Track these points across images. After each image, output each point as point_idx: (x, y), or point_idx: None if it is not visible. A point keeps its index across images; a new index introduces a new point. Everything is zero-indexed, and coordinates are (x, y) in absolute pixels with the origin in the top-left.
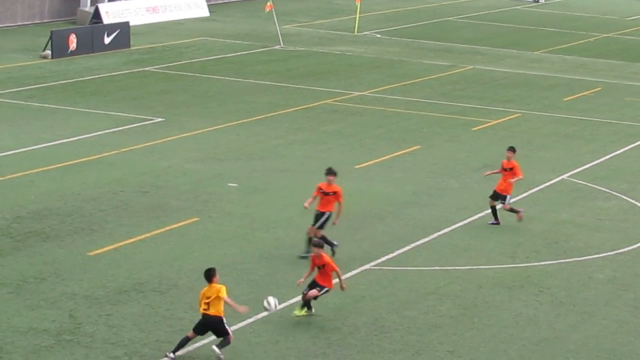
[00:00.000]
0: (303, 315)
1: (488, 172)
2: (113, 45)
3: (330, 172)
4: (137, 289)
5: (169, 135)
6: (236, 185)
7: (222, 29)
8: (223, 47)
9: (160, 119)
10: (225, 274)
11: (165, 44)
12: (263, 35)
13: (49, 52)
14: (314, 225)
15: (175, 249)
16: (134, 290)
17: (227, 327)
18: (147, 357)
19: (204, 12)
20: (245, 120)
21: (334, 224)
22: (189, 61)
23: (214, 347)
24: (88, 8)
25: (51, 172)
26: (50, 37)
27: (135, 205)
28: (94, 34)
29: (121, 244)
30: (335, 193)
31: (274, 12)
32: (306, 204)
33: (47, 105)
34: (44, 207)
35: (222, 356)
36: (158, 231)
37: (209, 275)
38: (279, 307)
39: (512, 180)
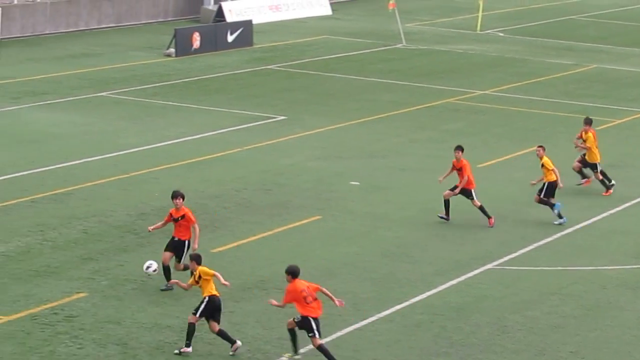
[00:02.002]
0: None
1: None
2: (236, 43)
3: (176, 194)
4: (260, 286)
5: (291, 133)
6: (358, 183)
7: (344, 27)
8: (345, 46)
9: (282, 117)
10: (347, 272)
11: (287, 42)
12: (385, 34)
13: (172, 50)
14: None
15: (298, 247)
16: (256, 287)
17: None
18: (269, 354)
19: (327, 11)
20: (367, 119)
21: (193, 249)
22: (311, 59)
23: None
24: (212, 6)
25: (175, 170)
26: (174, 35)
27: (257, 202)
28: (217, 32)
29: (244, 241)
30: (184, 217)
31: (396, 11)
32: (151, 228)
33: (170, 102)
34: (167, 204)
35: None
36: (280, 229)
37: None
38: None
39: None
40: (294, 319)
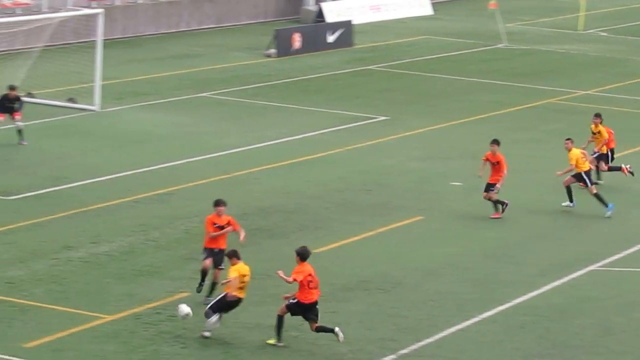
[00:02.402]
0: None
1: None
2: (336, 43)
3: (222, 202)
4: (362, 287)
5: (392, 133)
6: (460, 184)
7: (444, 27)
8: (446, 46)
9: (383, 118)
10: (449, 272)
11: (388, 42)
12: (486, 34)
13: (273, 50)
14: (215, 266)
15: (399, 247)
16: (358, 288)
17: None
18: (372, 355)
19: (427, 11)
20: (468, 119)
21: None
22: (411, 60)
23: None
24: (312, 7)
25: (276, 170)
26: (275, 36)
27: (359, 203)
28: (318, 32)
29: (346, 241)
30: (229, 224)
31: (497, 11)
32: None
33: (271, 103)
34: (269, 204)
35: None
36: (382, 229)
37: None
38: (183, 313)
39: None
40: (286, 304)
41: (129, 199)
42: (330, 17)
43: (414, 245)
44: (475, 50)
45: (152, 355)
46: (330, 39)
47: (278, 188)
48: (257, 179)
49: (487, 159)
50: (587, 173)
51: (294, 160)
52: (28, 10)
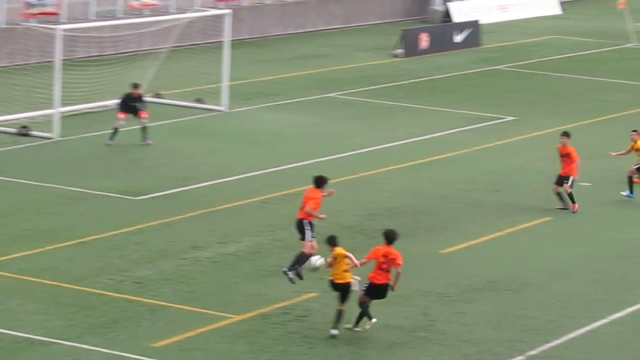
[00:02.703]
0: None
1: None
2: (464, 43)
3: (326, 181)
4: (490, 288)
5: (521, 133)
6: (589, 184)
7: (572, 27)
8: (573, 45)
9: (512, 118)
10: (578, 273)
11: (515, 42)
12: (614, 33)
13: (400, 50)
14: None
15: (528, 248)
16: (486, 288)
17: None
18: (500, 356)
19: (556, 10)
20: (597, 119)
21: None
22: (539, 59)
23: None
24: (439, 6)
25: (403, 170)
26: (402, 36)
27: (487, 203)
28: (445, 32)
29: (473, 242)
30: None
31: (626, 10)
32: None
33: (399, 103)
34: (396, 204)
35: None
36: (510, 230)
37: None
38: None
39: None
40: (362, 291)
41: (256, 199)
42: (457, 17)
43: (543, 246)
44: (604, 49)
45: (280, 355)
46: (458, 38)
47: (406, 188)
48: (385, 179)
49: (560, 152)
50: None
51: (421, 161)
52: (156, 11)
